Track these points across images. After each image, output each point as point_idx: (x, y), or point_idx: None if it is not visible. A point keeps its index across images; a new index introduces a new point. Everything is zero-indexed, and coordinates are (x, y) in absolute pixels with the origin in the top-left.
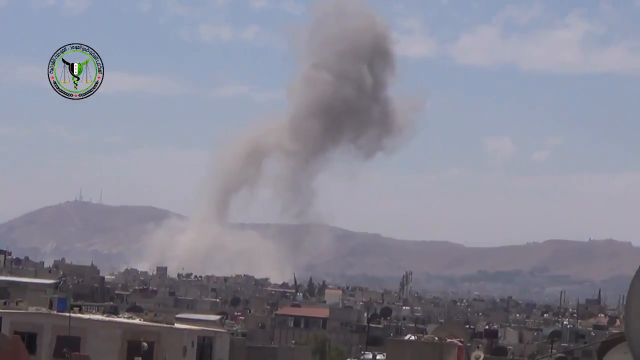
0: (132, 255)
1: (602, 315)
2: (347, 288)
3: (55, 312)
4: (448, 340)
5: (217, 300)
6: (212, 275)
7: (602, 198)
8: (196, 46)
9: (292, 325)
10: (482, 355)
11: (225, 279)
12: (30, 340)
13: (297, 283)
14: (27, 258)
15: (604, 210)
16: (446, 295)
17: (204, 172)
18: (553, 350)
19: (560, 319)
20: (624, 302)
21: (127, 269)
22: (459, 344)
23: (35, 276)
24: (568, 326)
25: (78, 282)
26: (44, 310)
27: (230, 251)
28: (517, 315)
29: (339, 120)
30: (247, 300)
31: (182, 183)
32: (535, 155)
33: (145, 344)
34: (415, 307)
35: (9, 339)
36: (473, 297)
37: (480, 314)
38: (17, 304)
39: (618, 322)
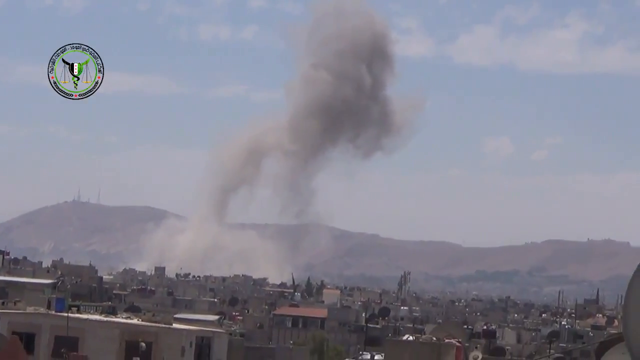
0: (130, 255)
1: (601, 315)
2: (345, 288)
3: (53, 312)
4: (446, 340)
5: (215, 300)
6: (211, 275)
7: (601, 198)
8: (195, 46)
9: (290, 325)
10: (480, 356)
11: (224, 279)
12: (28, 340)
13: (295, 283)
14: (25, 258)
15: (603, 210)
16: (444, 295)
17: (203, 172)
18: (551, 351)
19: (558, 319)
20: (622, 302)
21: (125, 269)
22: (457, 344)
23: (34, 276)
24: (566, 326)
25: (76, 282)
26: (42, 310)
27: (229, 251)
28: (515, 315)
29: (338, 120)
30: (245, 300)
31: (181, 183)
32: (534, 155)
33: (143, 344)
34: (414, 307)
35: (7, 339)
36: (471, 297)
37: (478, 314)
38: (15, 304)
39: (616, 322)
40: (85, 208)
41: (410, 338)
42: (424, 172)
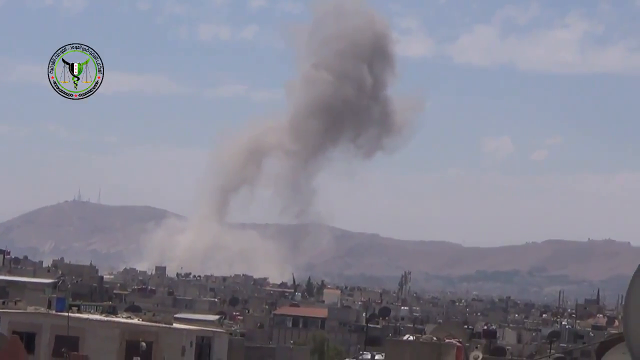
0: (130, 255)
1: (601, 315)
2: (346, 288)
3: (53, 312)
4: (446, 340)
5: (216, 300)
6: (211, 275)
7: (601, 198)
8: (195, 46)
9: (290, 325)
10: (481, 356)
11: (224, 278)
12: (28, 340)
13: (296, 283)
14: (25, 257)
15: (603, 210)
16: (445, 295)
17: (203, 171)
18: (552, 351)
19: (558, 319)
20: (623, 302)
21: (125, 268)
22: (458, 344)
23: (34, 276)
24: (567, 326)
25: (77, 281)
26: (43, 309)
27: (230, 251)
28: (516, 315)
29: (339, 120)
30: (246, 300)
31: (181, 183)
32: (534, 155)
33: (143, 343)
34: (414, 307)
35: (8, 339)
36: (472, 297)
37: (478, 314)
38: (15, 303)
39: (617, 322)
40: (86, 208)
41: (411, 338)
42: (424, 172)
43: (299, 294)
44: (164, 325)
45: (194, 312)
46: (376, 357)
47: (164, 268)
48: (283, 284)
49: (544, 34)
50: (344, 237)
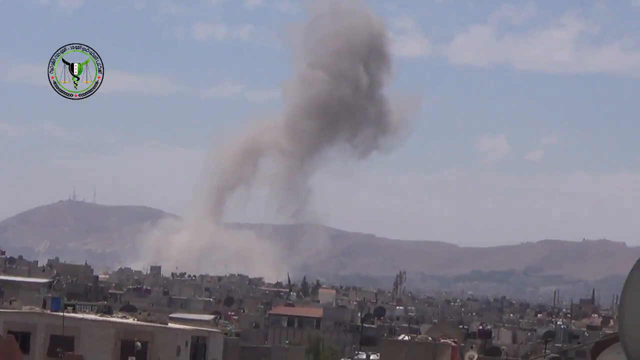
0: (125, 255)
1: (596, 315)
2: (341, 288)
3: (49, 312)
4: (442, 340)
5: (211, 299)
6: (206, 275)
7: (596, 198)
8: (190, 45)
9: (285, 325)
10: (476, 356)
11: (219, 278)
12: (23, 339)
13: (291, 283)
14: (20, 257)
15: (598, 210)
16: (440, 295)
17: (199, 171)
18: (547, 351)
19: (554, 319)
20: (618, 302)
21: (120, 268)
22: (453, 344)
23: (29, 275)
24: (562, 326)
25: (72, 281)
26: (38, 309)
27: (226, 251)
28: (511, 315)
29: (335, 120)
30: (241, 300)
31: (176, 183)
32: (529, 155)
33: (138, 343)
34: (409, 307)
35: (3, 339)
36: (467, 297)
37: (474, 314)
38: (10, 303)
39: (612, 322)
40: (81, 207)
41: (406, 338)
42: (420, 172)
43: (294, 293)
44: (159, 325)
45: (189, 312)
46: (371, 357)
47: (159, 268)
48: (278, 284)
49: (539, 33)
50: (340, 237)
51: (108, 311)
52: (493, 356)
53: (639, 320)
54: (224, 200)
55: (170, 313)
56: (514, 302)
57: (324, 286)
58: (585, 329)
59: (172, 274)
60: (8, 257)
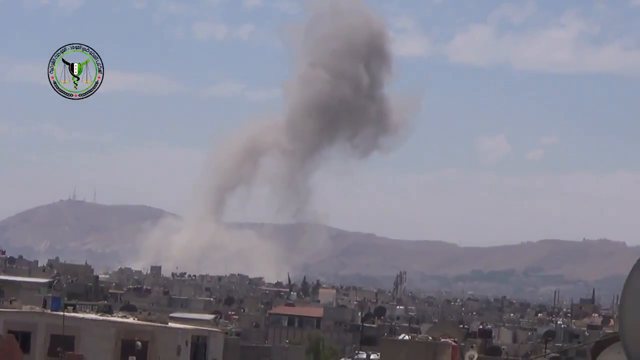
0: (126, 255)
1: (596, 315)
2: (341, 287)
3: (49, 311)
4: (442, 339)
5: (211, 299)
6: (206, 275)
7: (597, 198)
8: (191, 45)
9: (286, 324)
10: (476, 355)
11: (219, 278)
12: (24, 339)
13: (291, 282)
14: (21, 257)
15: (598, 210)
16: (440, 295)
17: (199, 171)
18: (547, 350)
19: (554, 319)
20: (618, 302)
21: (121, 268)
22: (453, 343)
23: (29, 275)
24: (562, 326)
25: (72, 281)
26: (38, 309)
27: (226, 251)
28: (511, 315)
29: (336, 119)
30: (241, 300)
31: (176, 182)
32: (529, 155)
33: (139, 343)
34: (409, 307)
35: (3, 338)
36: (467, 296)
37: (474, 313)
38: (11, 302)
39: (612, 321)
40: (81, 207)
41: (406, 337)
42: (420, 171)
43: (295, 293)
44: (159, 324)
45: (190, 312)
46: (371, 357)
47: (159, 267)
48: (278, 284)
49: (539, 33)
50: (340, 236)
51: (108, 311)
52: (493, 356)
53: (639, 320)
54: (225, 200)
55: (171, 313)
56: (514, 301)
57: (324, 286)
58: (585, 329)
59: (172, 274)
60: (8, 256)
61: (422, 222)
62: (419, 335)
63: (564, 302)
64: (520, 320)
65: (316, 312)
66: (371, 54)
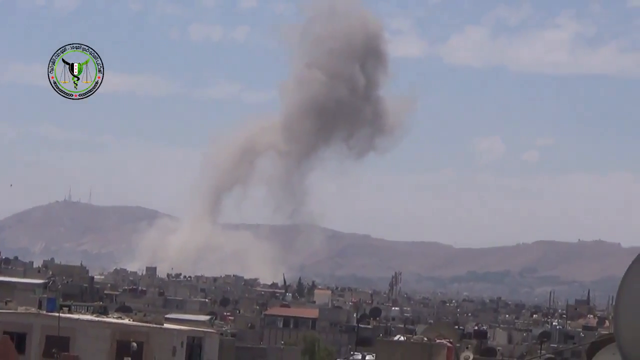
0: (121, 255)
1: (592, 316)
2: (337, 288)
3: (44, 312)
4: (437, 340)
5: (207, 300)
6: (202, 276)
7: (592, 199)
8: (186, 46)
9: (281, 325)
10: (471, 356)
11: (215, 279)
12: (19, 340)
13: (287, 283)
14: (16, 258)
15: (594, 211)
16: (435, 296)
17: (195, 171)
18: (542, 351)
19: (549, 320)
20: (614, 303)
21: (116, 269)
22: (448, 344)
23: (24, 276)
24: (557, 327)
25: (67, 282)
26: (33, 310)
27: (222, 251)
28: (507, 316)
29: (332, 120)
30: (237, 301)
31: (172, 183)
32: (525, 156)
33: (134, 344)
34: (405, 308)
35: None
36: (462, 297)
37: (469, 314)
38: (6, 303)
39: (607, 322)
40: (76, 208)
41: (402, 338)
42: (416, 172)
43: (290, 294)
44: (154, 325)
45: (185, 313)
46: (367, 358)
47: (155, 268)
48: (274, 285)
49: (535, 34)
50: (336, 237)
51: (104, 312)
52: (488, 357)
53: (634, 321)
54: (221, 201)
55: (166, 314)
56: (509, 302)
57: (320, 287)
58: (580, 330)
59: (168, 275)
60: (3, 257)
61: (418, 223)
62: (415, 336)
63: (559, 303)
64: (516, 321)
65: (311, 313)
66: (367, 55)
